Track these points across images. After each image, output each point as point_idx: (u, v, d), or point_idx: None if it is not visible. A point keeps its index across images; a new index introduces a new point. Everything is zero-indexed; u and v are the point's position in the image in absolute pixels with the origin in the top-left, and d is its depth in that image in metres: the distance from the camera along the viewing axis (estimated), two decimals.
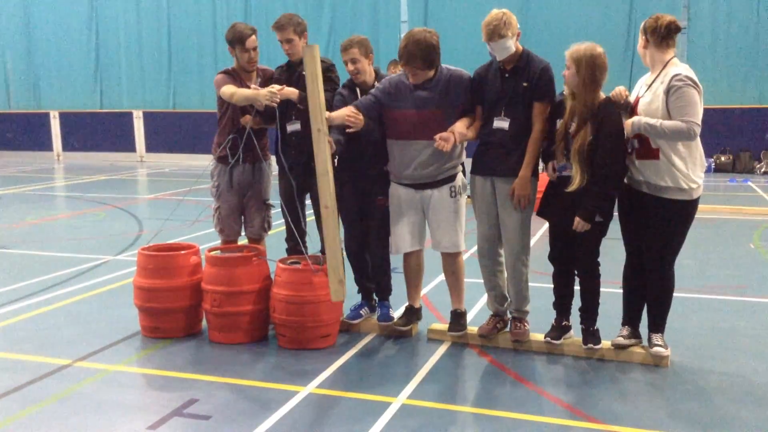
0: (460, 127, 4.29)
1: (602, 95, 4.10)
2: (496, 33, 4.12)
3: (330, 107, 4.50)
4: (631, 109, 4.11)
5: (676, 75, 3.90)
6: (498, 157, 4.34)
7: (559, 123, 4.18)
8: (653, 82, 4.04)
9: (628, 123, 4.01)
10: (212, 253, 4.83)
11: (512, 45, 4.17)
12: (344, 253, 4.90)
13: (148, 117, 17.92)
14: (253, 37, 4.91)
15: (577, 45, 4.06)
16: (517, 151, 4.28)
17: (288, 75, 4.89)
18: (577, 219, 4.11)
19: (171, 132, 17.63)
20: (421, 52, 4.21)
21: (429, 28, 4.38)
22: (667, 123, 3.88)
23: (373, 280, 4.93)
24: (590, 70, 4.00)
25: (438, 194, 4.49)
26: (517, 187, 4.28)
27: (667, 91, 3.90)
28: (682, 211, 4.05)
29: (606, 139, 4.01)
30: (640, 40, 4.10)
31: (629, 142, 4.11)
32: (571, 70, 4.04)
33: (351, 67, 4.59)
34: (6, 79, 19.20)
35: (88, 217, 9.82)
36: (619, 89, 4.16)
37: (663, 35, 3.99)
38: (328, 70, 4.77)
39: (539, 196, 4.44)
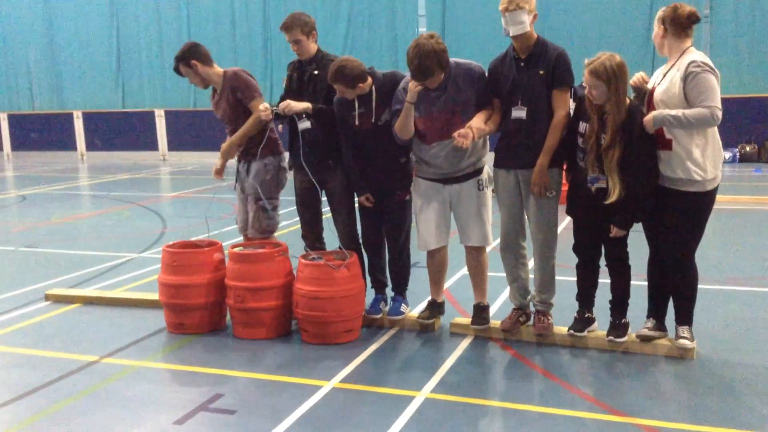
0: (477, 122, 4.25)
1: (627, 100, 4.05)
2: (514, 2, 4.06)
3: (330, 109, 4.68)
4: (648, 99, 4.06)
5: (693, 61, 3.85)
6: (519, 148, 4.31)
7: (583, 127, 4.13)
8: (669, 70, 3.99)
9: (649, 119, 3.92)
10: (235, 249, 4.87)
11: (527, 22, 4.10)
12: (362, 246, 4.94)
13: (170, 116, 18.06)
14: (179, 68, 4.97)
15: (596, 60, 3.94)
16: (537, 140, 4.24)
17: (299, 74, 4.90)
18: (614, 228, 4.10)
19: (192, 130, 17.76)
20: (437, 60, 4.13)
21: (431, 33, 4.28)
22: (689, 111, 3.82)
23: (391, 273, 4.94)
24: (622, 81, 3.92)
25: (466, 188, 4.48)
26: (535, 175, 4.25)
27: (685, 78, 3.85)
28: (697, 204, 3.99)
29: (639, 145, 3.95)
30: (657, 29, 4.03)
31: None
32: (599, 88, 3.93)
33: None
34: (29, 80, 19.45)
35: (113, 215, 9.93)
36: (640, 75, 4.12)
37: (683, 25, 3.94)
38: None
39: (565, 188, 4.41)
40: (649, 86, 4.11)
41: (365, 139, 4.63)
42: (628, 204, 4.02)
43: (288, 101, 4.71)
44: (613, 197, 4.01)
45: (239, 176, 5.16)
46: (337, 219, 4.95)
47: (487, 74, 4.40)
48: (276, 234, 5.21)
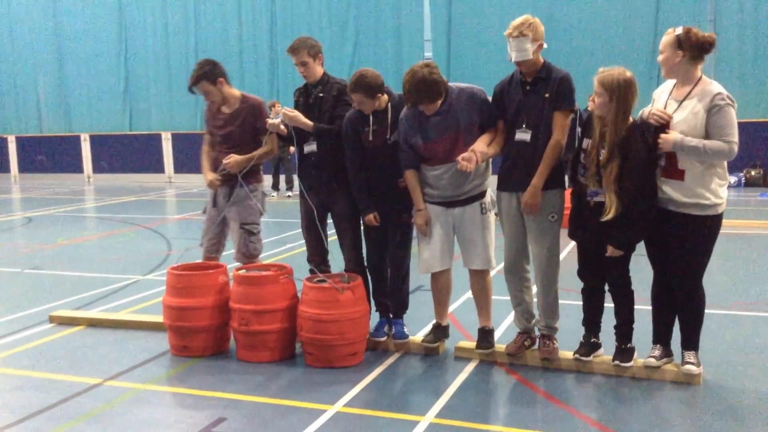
0: (481, 145, 4.28)
1: (630, 119, 4.05)
2: (518, 30, 4.13)
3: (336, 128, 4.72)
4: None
5: (719, 94, 3.86)
6: (522, 171, 4.32)
7: (586, 143, 4.14)
8: (685, 99, 3.97)
9: (670, 139, 3.91)
10: (240, 272, 4.87)
11: (530, 49, 4.14)
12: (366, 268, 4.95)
13: (177, 138, 18.18)
14: (200, 84, 5.07)
15: (607, 70, 3.98)
16: (540, 164, 4.25)
17: (305, 98, 4.95)
18: (610, 248, 4.10)
19: (199, 153, 17.79)
20: (426, 91, 4.21)
21: (427, 61, 4.35)
22: (710, 144, 3.83)
23: (390, 296, 4.93)
24: (624, 97, 3.93)
25: (469, 211, 4.49)
26: (526, 195, 4.26)
27: (709, 110, 3.86)
28: (707, 227, 3.99)
29: (636, 166, 3.95)
30: (671, 53, 3.94)
31: (659, 158, 4.05)
32: (603, 98, 3.96)
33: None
34: (38, 104, 19.66)
35: (118, 237, 9.96)
36: (658, 111, 4.03)
37: (702, 51, 3.92)
38: (343, 93, 4.81)
39: (567, 212, 4.41)
40: (659, 104, 4.10)
41: (374, 157, 4.65)
42: (623, 223, 4.02)
43: (297, 112, 4.76)
44: (609, 214, 4.00)
45: (216, 201, 5.21)
46: (343, 242, 4.96)
47: (491, 96, 4.44)
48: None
